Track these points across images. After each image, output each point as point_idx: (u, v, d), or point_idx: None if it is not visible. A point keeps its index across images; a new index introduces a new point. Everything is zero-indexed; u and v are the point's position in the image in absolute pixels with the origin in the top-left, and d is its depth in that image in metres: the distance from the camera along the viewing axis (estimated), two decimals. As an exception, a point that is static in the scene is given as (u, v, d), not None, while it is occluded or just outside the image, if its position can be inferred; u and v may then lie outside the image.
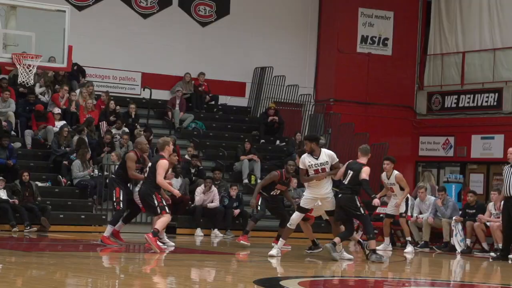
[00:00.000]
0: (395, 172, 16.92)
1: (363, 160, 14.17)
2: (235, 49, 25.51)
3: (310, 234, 15.03)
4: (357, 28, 26.09)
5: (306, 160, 13.93)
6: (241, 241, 16.35)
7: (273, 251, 14.19)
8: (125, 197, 15.07)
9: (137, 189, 15.16)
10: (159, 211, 14.24)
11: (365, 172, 13.93)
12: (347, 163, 14.39)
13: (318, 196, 13.91)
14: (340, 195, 14.07)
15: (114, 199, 15.15)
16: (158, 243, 14.57)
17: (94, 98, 22.84)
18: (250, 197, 21.87)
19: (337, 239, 13.91)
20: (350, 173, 14.02)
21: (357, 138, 23.22)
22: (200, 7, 25.47)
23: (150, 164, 14.42)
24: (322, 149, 14.04)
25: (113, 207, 15.72)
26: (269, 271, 12.88)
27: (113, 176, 15.85)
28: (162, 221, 14.27)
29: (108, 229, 15.27)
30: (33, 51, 16.62)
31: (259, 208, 16.76)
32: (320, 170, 13.85)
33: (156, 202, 14.20)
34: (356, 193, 13.99)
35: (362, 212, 13.97)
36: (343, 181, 14.08)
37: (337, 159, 14.05)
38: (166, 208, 14.32)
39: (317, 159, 13.85)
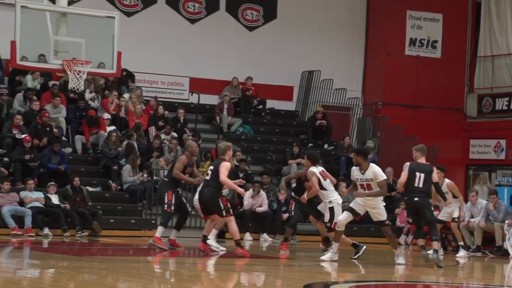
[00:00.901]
0: (446, 180, 16.70)
1: (423, 160, 13.91)
2: (282, 53, 25.49)
3: (324, 232, 15.27)
4: (406, 31, 25.90)
5: (354, 173, 13.92)
6: (281, 250, 16.14)
7: (326, 256, 14.06)
8: (176, 200, 15.23)
9: (197, 194, 15.21)
10: (224, 214, 14.35)
11: (436, 174, 13.86)
12: (408, 165, 13.99)
13: (367, 206, 13.83)
14: (416, 199, 13.67)
15: (166, 201, 15.29)
16: (214, 247, 14.72)
17: (143, 103, 23.00)
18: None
19: (435, 244, 13.70)
20: (421, 175, 13.65)
21: (406, 141, 23.03)
22: (248, 12, 25.52)
23: (212, 167, 14.45)
24: (370, 164, 13.82)
25: (163, 209, 15.79)
26: (319, 275, 12.83)
27: (164, 179, 15.95)
28: (232, 227, 14.31)
29: (159, 230, 15.39)
30: (83, 57, 16.80)
31: (292, 213, 16.59)
32: (365, 186, 13.72)
33: (222, 204, 14.30)
34: (429, 196, 13.86)
35: (434, 216, 13.96)
36: (416, 185, 13.65)
37: (384, 177, 13.72)
38: (231, 210, 14.43)
39: (363, 174, 13.73)
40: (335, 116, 25.33)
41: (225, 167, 14.21)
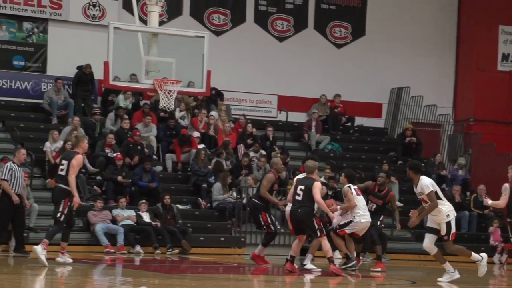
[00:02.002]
0: None
1: None
2: (371, 70, 25.34)
3: (343, 247, 15.15)
4: (498, 46, 25.45)
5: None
6: (376, 269, 15.89)
7: (444, 277, 13.59)
8: (273, 219, 15.38)
9: (288, 208, 15.21)
10: (318, 234, 14.29)
11: None
12: (508, 187, 13.65)
13: (436, 221, 13.48)
14: None
15: (263, 223, 15.36)
16: (309, 266, 14.69)
17: (231, 121, 23.15)
18: (389, 219, 21.69)
19: None
20: None
21: (498, 158, 22.59)
22: (336, 29, 25.46)
23: (302, 187, 14.41)
24: (420, 177, 13.36)
25: (265, 231, 15.76)
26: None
27: (254, 200, 15.97)
28: (326, 245, 14.25)
29: (259, 248, 15.44)
30: (174, 76, 16.97)
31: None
32: (421, 200, 13.41)
33: (316, 225, 14.25)
34: None
35: None
36: None
37: (429, 190, 13.16)
38: (324, 230, 14.44)
39: (416, 188, 13.44)
40: (425, 133, 25.01)
41: (318, 188, 14.17)
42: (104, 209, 19.04)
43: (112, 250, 18.30)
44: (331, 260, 14.30)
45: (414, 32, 25.66)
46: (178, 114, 22.76)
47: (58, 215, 14.04)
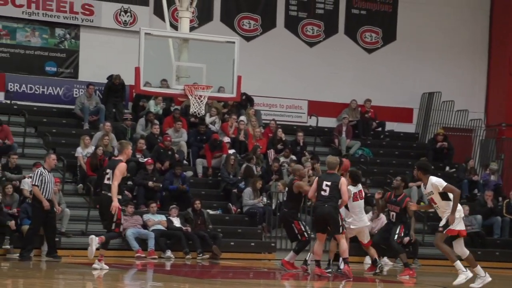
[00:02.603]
0: None
1: None
2: (401, 74, 25.25)
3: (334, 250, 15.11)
4: (530, 50, 25.26)
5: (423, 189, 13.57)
6: (401, 277, 15.77)
7: (476, 283, 13.44)
8: (306, 226, 15.43)
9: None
10: (341, 230, 14.38)
11: None
12: None
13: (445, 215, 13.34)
14: None
15: (296, 232, 15.36)
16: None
17: (261, 126, 23.17)
18: (420, 225, 21.58)
19: None
20: None
21: (531, 164, 22.41)
22: (366, 34, 25.41)
23: (329, 182, 14.30)
24: (430, 177, 13.17)
25: (298, 240, 15.67)
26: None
27: (285, 210, 15.93)
28: (343, 244, 14.35)
29: (290, 255, 15.44)
30: (204, 82, 17.04)
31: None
32: (430, 200, 13.24)
33: (340, 221, 14.33)
34: None
35: None
36: None
37: (443, 184, 13.01)
38: (345, 227, 14.63)
39: (425, 188, 13.30)
40: (456, 138, 24.86)
41: (346, 185, 14.24)
42: (135, 214, 19.12)
43: (143, 255, 18.37)
44: (346, 261, 14.31)
45: (445, 37, 25.52)
46: (208, 119, 22.81)
47: (114, 226, 14.24)
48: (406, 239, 17.64)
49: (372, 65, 25.25)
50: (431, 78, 25.29)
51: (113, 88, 22.34)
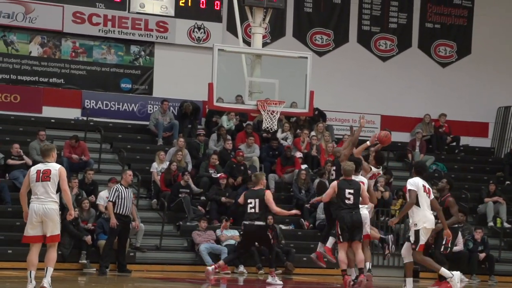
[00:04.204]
0: None
1: None
2: (477, 88, 24.92)
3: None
4: None
5: None
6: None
7: None
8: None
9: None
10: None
11: None
12: None
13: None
14: None
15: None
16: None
17: (334, 141, 23.08)
18: (496, 241, 21.20)
19: None
20: None
21: None
22: (441, 48, 25.16)
23: (351, 190, 14.16)
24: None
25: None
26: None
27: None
28: (362, 253, 14.33)
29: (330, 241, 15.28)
30: (277, 97, 17.08)
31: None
32: None
33: None
34: None
35: None
36: None
37: (410, 187, 13.13)
38: None
39: None
40: (534, 152, 24.38)
41: (365, 190, 14.28)
42: (208, 229, 19.21)
43: (217, 270, 18.43)
44: (362, 271, 14.16)
45: (521, 50, 25.11)
46: (280, 134, 22.84)
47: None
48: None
49: (446, 79, 24.97)
50: (507, 92, 24.89)
51: (186, 116, 22.56)
